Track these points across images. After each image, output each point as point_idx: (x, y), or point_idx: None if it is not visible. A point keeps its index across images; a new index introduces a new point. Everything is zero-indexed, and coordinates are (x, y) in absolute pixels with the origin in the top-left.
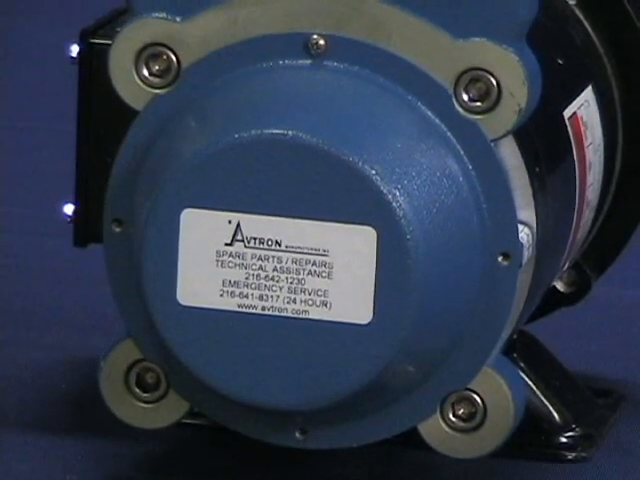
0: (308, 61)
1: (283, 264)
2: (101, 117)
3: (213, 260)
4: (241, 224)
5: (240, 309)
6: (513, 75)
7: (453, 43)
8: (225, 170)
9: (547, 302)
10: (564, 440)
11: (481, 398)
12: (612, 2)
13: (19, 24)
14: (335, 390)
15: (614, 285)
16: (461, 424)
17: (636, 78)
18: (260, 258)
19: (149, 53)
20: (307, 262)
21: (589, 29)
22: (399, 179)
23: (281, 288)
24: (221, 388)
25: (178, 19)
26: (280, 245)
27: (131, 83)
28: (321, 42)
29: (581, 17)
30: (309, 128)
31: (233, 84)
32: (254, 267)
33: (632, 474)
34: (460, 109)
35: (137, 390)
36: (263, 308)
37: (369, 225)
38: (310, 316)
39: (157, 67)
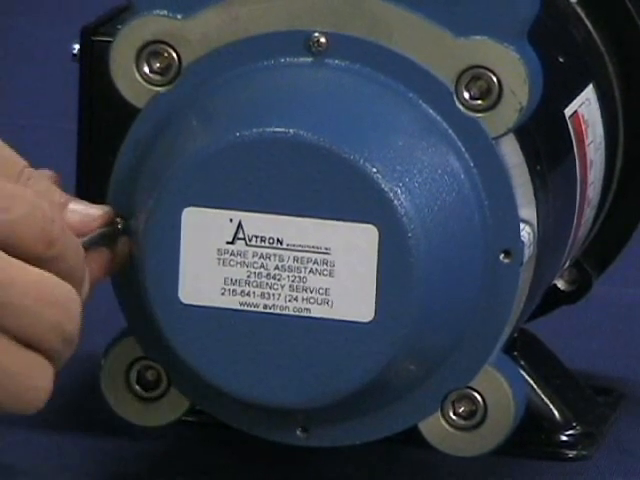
0: (309, 59)
1: (285, 262)
2: (102, 115)
3: (215, 258)
4: (242, 222)
5: (242, 307)
6: (514, 73)
7: (454, 41)
8: (226, 168)
9: (548, 300)
10: (564, 438)
11: (482, 396)
12: (613, 0)
13: (19, 22)
14: (336, 388)
15: (615, 284)
16: (462, 422)
17: (637, 76)
18: (262, 256)
19: (150, 51)
20: (309, 260)
21: (590, 27)
22: (400, 177)
23: (283, 286)
24: (222, 386)
25: (179, 17)
26: (282, 243)
27: (132, 81)
28: (322, 40)
29: (582, 15)
30: (310, 126)
31: (234, 82)
32: (256, 265)
33: (632, 472)
34: (461, 107)
35: (138, 388)
36: (265, 306)
37: (370, 223)
38: (312, 314)
39: (158, 65)
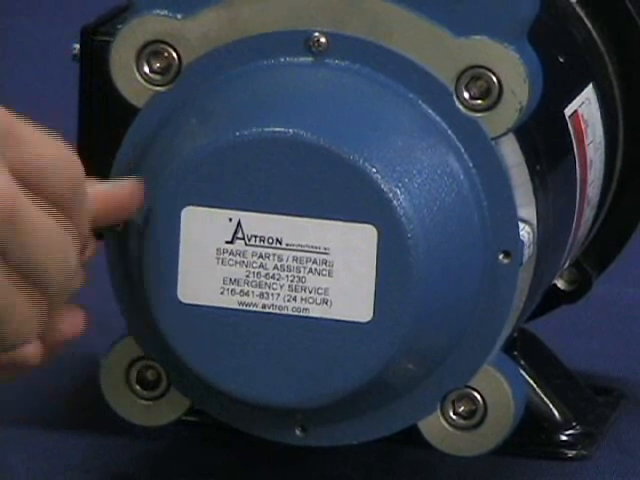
0: (309, 59)
1: (284, 262)
2: (102, 114)
3: (214, 258)
4: (242, 222)
5: (240, 307)
6: (514, 73)
7: (454, 41)
8: (226, 168)
9: (548, 300)
10: (564, 438)
11: (481, 396)
12: (613, 0)
13: (19, 22)
14: (335, 388)
15: (615, 283)
16: (461, 422)
17: (637, 76)
18: (261, 256)
19: (150, 50)
20: (308, 260)
21: (590, 27)
22: (400, 177)
23: (282, 286)
24: (221, 386)
25: (179, 16)
26: (281, 243)
27: (132, 80)
28: (322, 40)
29: (582, 15)
30: (310, 126)
31: (234, 82)
32: (255, 265)
33: (632, 472)
34: (461, 107)
35: (138, 387)
36: (263, 306)
37: (370, 223)
38: (310, 314)
39: (158, 64)
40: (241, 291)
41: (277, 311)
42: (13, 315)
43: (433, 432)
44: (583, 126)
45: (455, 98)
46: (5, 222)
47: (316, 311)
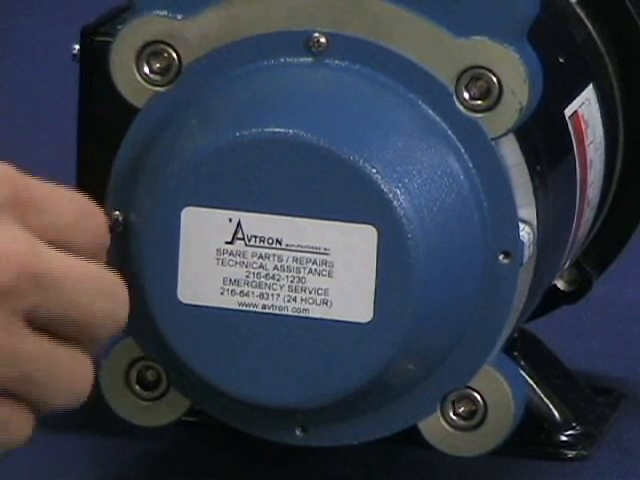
0: (309, 59)
1: (284, 262)
2: (102, 115)
3: (214, 258)
4: (242, 222)
5: (241, 307)
6: (514, 73)
7: (454, 41)
8: (226, 168)
9: (548, 300)
10: (564, 438)
11: (481, 396)
12: (613, 1)
13: (19, 22)
14: (335, 388)
15: (615, 283)
16: (462, 422)
17: (637, 76)
18: (261, 256)
19: (150, 51)
20: (308, 260)
21: (590, 27)
22: (400, 178)
23: (282, 286)
24: (221, 386)
25: (179, 17)
26: (281, 243)
27: (132, 81)
28: (322, 40)
29: (582, 16)
30: (310, 127)
31: (234, 82)
32: (255, 265)
33: (632, 473)
34: (461, 107)
35: (138, 388)
36: (263, 306)
37: (370, 224)
38: (310, 314)
39: (158, 65)
40: (241, 292)
41: (277, 311)
42: (58, 379)
43: (433, 432)
44: (583, 126)
45: (455, 98)
46: (29, 283)
47: (316, 311)
